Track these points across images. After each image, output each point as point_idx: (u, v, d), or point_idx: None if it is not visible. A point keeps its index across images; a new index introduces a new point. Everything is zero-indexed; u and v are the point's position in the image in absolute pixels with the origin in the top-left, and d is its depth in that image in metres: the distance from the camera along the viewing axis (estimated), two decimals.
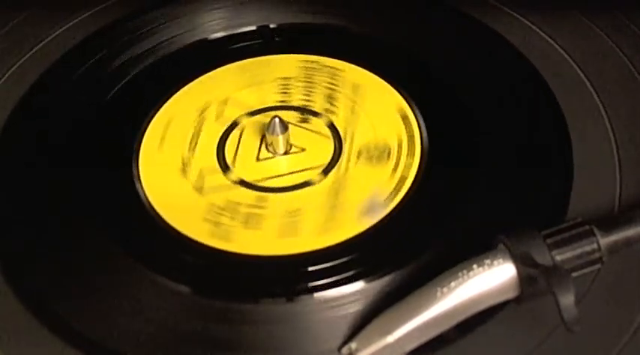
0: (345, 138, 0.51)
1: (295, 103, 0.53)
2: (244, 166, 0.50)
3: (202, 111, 0.53)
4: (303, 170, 0.49)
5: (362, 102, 0.53)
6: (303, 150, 0.50)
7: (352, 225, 0.46)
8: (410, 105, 0.52)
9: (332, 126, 0.52)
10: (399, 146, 0.50)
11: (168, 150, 0.51)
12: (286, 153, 0.50)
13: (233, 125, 0.52)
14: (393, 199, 0.47)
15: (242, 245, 0.45)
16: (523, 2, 0.58)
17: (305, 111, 0.52)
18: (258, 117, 0.52)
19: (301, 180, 0.49)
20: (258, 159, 0.50)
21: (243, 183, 0.49)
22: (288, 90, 0.54)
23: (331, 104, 0.53)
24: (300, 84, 0.54)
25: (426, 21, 0.58)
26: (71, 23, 0.59)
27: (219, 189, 0.48)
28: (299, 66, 0.55)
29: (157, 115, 0.53)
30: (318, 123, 0.52)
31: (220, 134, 0.51)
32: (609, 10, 0.57)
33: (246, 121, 0.52)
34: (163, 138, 0.51)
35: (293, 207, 0.47)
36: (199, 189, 0.48)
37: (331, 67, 0.55)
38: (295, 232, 0.46)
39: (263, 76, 0.55)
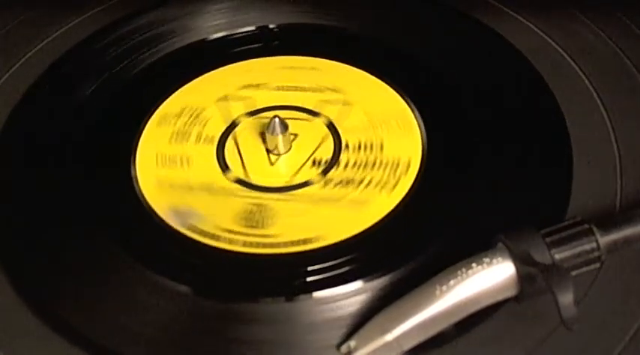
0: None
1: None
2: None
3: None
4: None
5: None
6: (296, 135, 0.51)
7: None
8: (409, 106, 0.52)
9: (331, 126, 0.52)
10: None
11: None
12: (287, 151, 0.50)
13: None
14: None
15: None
16: (523, 2, 0.58)
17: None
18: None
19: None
20: (258, 160, 0.50)
21: (243, 182, 0.49)
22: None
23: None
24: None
25: (426, 21, 0.58)
26: (71, 23, 0.59)
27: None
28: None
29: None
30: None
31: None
32: (609, 10, 0.57)
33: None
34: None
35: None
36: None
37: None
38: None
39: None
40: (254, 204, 0.48)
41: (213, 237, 0.46)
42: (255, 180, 0.49)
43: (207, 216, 0.47)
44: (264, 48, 0.57)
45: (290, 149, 0.50)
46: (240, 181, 0.49)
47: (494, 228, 0.41)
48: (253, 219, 0.47)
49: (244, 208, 0.48)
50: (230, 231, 0.46)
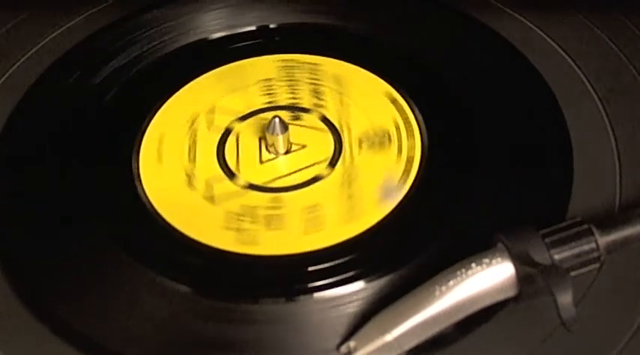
0: (342, 130, 0.51)
1: (283, 103, 0.53)
2: (250, 170, 0.50)
3: (192, 123, 0.52)
4: (308, 166, 0.49)
5: (351, 94, 0.53)
6: (303, 146, 0.51)
7: (373, 212, 0.47)
8: (410, 106, 0.52)
9: (325, 120, 0.52)
10: (397, 129, 0.51)
11: (168, 157, 0.51)
12: (288, 152, 0.50)
13: (227, 132, 0.52)
14: (406, 181, 0.48)
15: (267, 246, 0.46)
16: (523, 2, 0.58)
17: (294, 109, 0.53)
18: (249, 121, 0.52)
19: (310, 176, 0.49)
20: (261, 161, 0.50)
21: (252, 186, 0.49)
22: (272, 91, 0.54)
23: (319, 98, 0.53)
24: (282, 83, 0.54)
25: (426, 21, 0.58)
26: (71, 23, 0.59)
27: (230, 197, 0.48)
28: (278, 66, 0.55)
29: (157, 114, 0.53)
30: (311, 119, 0.52)
31: (217, 142, 0.51)
32: (609, 10, 0.57)
33: (238, 127, 0.52)
34: (162, 142, 0.51)
35: (310, 202, 0.48)
36: (210, 199, 0.48)
37: (313, 64, 0.55)
38: (319, 227, 0.46)
39: (244, 80, 0.55)
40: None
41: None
42: (246, 179, 0.49)
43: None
44: (264, 48, 0.57)
45: (288, 152, 0.50)
46: (250, 186, 0.49)
47: (494, 228, 0.41)
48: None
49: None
50: None
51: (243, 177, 0.49)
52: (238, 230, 0.46)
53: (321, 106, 0.53)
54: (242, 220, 0.47)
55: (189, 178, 0.49)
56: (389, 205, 0.47)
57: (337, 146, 0.50)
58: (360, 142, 0.50)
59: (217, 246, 0.45)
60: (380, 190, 0.48)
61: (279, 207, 0.47)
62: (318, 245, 0.45)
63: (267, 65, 0.55)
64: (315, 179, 0.49)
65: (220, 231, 0.46)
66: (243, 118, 0.52)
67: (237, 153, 0.50)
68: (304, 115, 0.52)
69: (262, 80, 0.54)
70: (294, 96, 0.53)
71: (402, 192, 0.48)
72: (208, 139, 0.51)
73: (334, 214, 0.47)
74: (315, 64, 0.55)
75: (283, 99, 0.53)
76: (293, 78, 0.54)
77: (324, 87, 0.54)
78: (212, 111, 0.53)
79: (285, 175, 0.49)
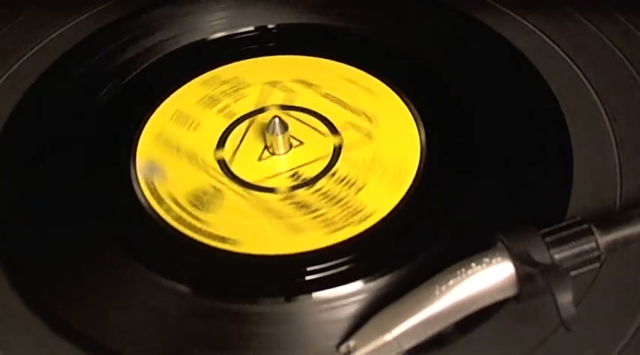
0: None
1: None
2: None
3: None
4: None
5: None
6: (301, 143, 0.51)
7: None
8: (409, 106, 0.52)
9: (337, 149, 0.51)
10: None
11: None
12: (291, 147, 0.51)
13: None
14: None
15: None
16: (523, 2, 0.58)
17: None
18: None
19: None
20: (259, 158, 0.50)
21: (222, 164, 0.49)
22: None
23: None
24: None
25: (426, 21, 0.58)
26: (71, 23, 0.59)
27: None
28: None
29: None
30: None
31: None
32: (609, 10, 0.57)
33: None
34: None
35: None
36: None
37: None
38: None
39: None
40: (213, 187, 0.48)
41: (158, 199, 0.47)
42: (233, 167, 0.49)
43: (170, 179, 0.49)
44: (264, 48, 0.57)
45: (288, 152, 0.50)
46: (221, 162, 0.49)
47: (494, 228, 0.41)
48: (201, 199, 0.48)
49: (202, 187, 0.48)
50: (175, 202, 0.47)
51: (223, 155, 0.50)
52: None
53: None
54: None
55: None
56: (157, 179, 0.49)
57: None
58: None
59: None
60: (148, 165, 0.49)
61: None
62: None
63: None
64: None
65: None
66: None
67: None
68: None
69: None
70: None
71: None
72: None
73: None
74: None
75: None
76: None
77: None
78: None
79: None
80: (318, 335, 0.42)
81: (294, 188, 0.48)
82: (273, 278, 0.44)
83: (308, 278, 0.44)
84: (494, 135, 0.50)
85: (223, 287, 0.44)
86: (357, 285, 0.43)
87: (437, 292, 0.39)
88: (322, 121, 0.52)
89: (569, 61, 0.54)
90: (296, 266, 0.44)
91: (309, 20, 0.58)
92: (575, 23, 0.57)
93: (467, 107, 0.52)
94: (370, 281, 0.43)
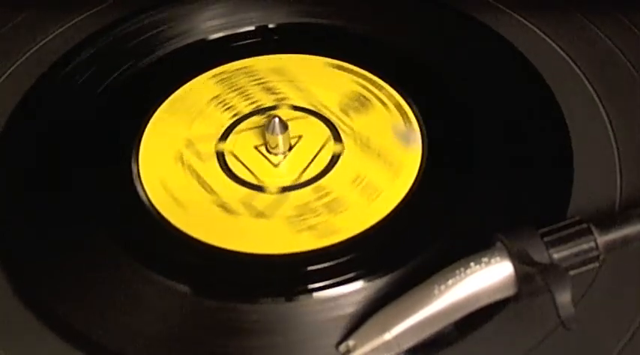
0: (320, 109, 0.52)
1: (247, 110, 0.53)
2: (272, 176, 0.49)
3: (182, 161, 0.51)
4: (319, 151, 0.50)
5: (300, 79, 0.54)
6: (300, 137, 0.51)
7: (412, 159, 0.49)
8: (409, 105, 0.52)
9: (298, 108, 0.52)
10: (365, 88, 0.53)
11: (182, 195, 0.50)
12: (291, 148, 0.50)
13: (220, 155, 0.51)
14: (411, 122, 0.50)
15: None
16: (523, 2, 0.58)
17: (262, 111, 0.53)
18: (232, 138, 0.52)
19: (329, 158, 0.50)
20: (274, 165, 0.50)
21: (287, 189, 0.49)
22: (228, 105, 0.53)
23: (275, 94, 0.53)
24: (232, 95, 0.54)
25: (426, 21, 0.58)
26: (71, 23, 0.59)
27: (277, 206, 0.48)
28: (215, 81, 0.55)
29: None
30: (285, 112, 0.52)
31: (219, 166, 0.50)
32: (609, 10, 0.57)
33: (225, 146, 0.51)
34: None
35: (352, 175, 0.49)
36: (261, 215, 0.47)
37: (244, 67, 0.56)
38: (378, 191, 0.47)
39: (195, 106, 0.54)
40: (317, 198, 0.48)
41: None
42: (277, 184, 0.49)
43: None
44: (264, 47, 0.57)
45: (287, 152, 0.50)
46: (284, 189, 0.49)
47: (494, 228, 0.41)
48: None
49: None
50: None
51: (273, 185, 0.49)
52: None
53: (283, 99, 0.53)
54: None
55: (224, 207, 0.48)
56: (415, 147, 0.49)
57: (329, 124, 0.51)
58: (345, 112, 0.51)
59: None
60: (398, 139, 0.49)
61: (328, 193, 0.48)
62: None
63: (204, 85, 0.55)
64: (335, 157, 0.50)
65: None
66: (224, 137, 0.52)
67: (248, 168, 0.50)
68: (276, 112, 0.52)
69: (211, 99, 0.54)
70: (251, 101, 0.53)
71: (416, 132, 0.50)
72: (209, 167, 0.50)
73: (379, 174, 0.48)
74: (245, 67, 0.56)
75: (244, 107, 0.53)
76: (237, 87, 0.54)
77: (270, 83, 0.54)
78: (190, 143, 0.51)
79: (306, 167, 0.49)
80: (318, 335, 0.42)
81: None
82: (273, 278, 0.44)
83: (308, 278, 0.44)
84: (494, 135, 0.50)
85: (223, 287, 0.44)
86: (357, 285, 0.43)
87: (436, 291, 0.39)
88: (322, 121, 0.52)
89: (569, 61, 0.54)
90: (296, 266, 0.44)
91: (309, 20, 0.58)
92: (575, 23, 0.57)
93: (467, 107, 0.52)
94: (370, 281, 0.43)
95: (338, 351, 0.40)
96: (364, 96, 0.52)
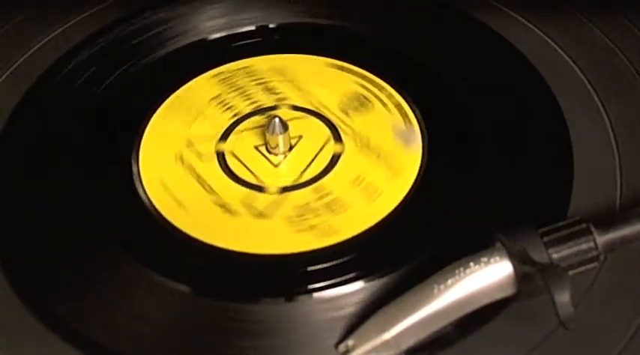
0: (320, 109, 0.52)
1: (247, 110, 0.53)
2: (272, 177, 0.49)
3: (182, 161, 0.51)
4: (320, 150, 0.50)
5: (300, 79, 0.54)
6: (301, 137, 0.51)
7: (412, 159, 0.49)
8: (409, 106, 0.52)
9: (298, 108, 0.52)
10: (364, 88, 0.53)
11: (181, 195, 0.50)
12: (291, 148, 0.50)
13: (221, 155, 0.51)
14: (411, 122, 0.50)
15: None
16: (523, 2, 0.58)
17: (263, 111, 0.53)
18: (232, 138, 0.51)
19: (329, 158, 0.50)
20: (274, 165, 0.50)
21: (287, 189, 0.49)
22: (229, 105, 0.53)
23: (275, 94, 0.54)
24: (232, 95, 0.54)
25: (426, 21, 0.58)
26: (71, 23, 0.59)
27: (277, 206, 0.48)
28: (215, 81, 0.55)
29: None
30: (285, 112, 0.52)
31: (220, 167, 0.50)
32: (609, 10, 0.57)
33: (226, 146, 0.51)
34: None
35: (351, 176, 0.49)
36: (260, 215, 0.47)
37: (244, 67, 0.56)
38: (378, 191, 0.48)
39: (195, 106, 0.54)
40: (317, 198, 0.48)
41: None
42: (278, 185, 0.49)
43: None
44: (264, 47, 0.57)
45: (288, 152, 0.50)
46: (285, 189, 0.49)
47: (494, 228, 0.41)
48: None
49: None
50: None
51: (273, 185, 0.49)
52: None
53: (283, 99, 0.53)
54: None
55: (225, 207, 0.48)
56: (416, 148, 0.49)
57: (329, 124, 0.51)
58: (345, 112, 0.51)
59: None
60: (398, 139, 0.49)
61: (328, 193, 0.48)
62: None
63: (205, 85, 0.55)
64: (335, 157, 0.50)
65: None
66: (224, 138, 0.52)
67: (248, 168, 0.50)
68: (276, 112, 0.52)
69: (211, 99, 0.54)
70: (251, 101, 0.53)
71: (417, 133, 0.50)
72: (209, 167, 0.50)
73: (379, 174, 0.48)
74: (246, 67, 0.56)
75: (244, 107, 0.53)
76: (237, 87, 0.54)
77: (270, 83, 0.54)
78: (191, 143, 0.51)
79: (307, 167, 0.49)
80: (318, 335, 0.42)
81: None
82: (273, 278, 0.44)
83: (308, 278, 0.44)
84: (494, 135, 0.50)
85: (223, 287, 0.44)
86: (357, 285, 0.43)
87: (435, 291, 0.39)
88: (322, 121, 0.52)
89: (569, 61, 0.54)
90: (296, 267, 0.44)
91: (309, 20, 0.58)
92: (575, 23, 0.57)
93: (466, 107, 0.52)
94: (370, 281, 0.43)
95: (337, 351, 0.40)
96: (364, 97, 0.52)
